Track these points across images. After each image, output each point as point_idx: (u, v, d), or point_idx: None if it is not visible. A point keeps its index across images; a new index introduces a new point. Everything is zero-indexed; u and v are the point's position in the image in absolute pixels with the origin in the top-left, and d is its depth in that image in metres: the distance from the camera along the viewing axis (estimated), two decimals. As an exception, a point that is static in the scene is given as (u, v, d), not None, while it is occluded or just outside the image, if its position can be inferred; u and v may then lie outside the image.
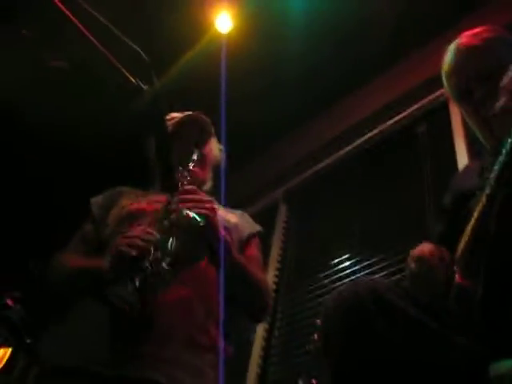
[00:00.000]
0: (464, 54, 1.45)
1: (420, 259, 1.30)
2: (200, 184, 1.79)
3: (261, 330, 2.88)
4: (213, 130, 1.96)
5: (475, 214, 1.22)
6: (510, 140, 1.13)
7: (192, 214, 1.50)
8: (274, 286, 3.06)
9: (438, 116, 2.74)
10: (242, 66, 2.96)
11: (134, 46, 1.33)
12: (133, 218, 1.65)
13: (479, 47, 1.43)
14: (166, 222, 1.50)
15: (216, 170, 1.93)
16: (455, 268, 1.25)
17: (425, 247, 1.32)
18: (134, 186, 1.90)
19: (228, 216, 1.82)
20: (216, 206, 1.67)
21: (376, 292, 1.20)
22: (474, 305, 1.17)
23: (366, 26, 2.92)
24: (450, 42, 1.54)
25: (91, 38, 1.33)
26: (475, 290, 1.18)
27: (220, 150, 1.98)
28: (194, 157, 1.75)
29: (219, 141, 2.00)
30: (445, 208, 1.57)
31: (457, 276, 1.24)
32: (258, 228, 1.90)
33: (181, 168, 1.70)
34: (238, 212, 1.93)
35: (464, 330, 1.16)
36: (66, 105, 3.21)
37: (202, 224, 1.51)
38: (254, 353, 2.82)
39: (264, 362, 2.80)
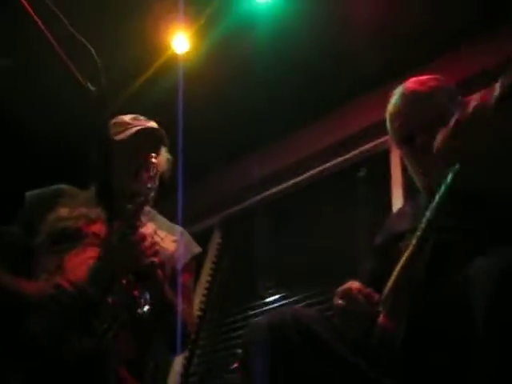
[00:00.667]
0: (409, 99, 1.48)
1: (347, 296, 1.30)
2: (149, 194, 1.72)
3: (180, 357, 2.81)
4: (166, 142, 1.91)
5: (404, 257, 1.24)
6: (443, 187, 1.17)
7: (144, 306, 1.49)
8: (199, 313, 3.02)
9: (379, 162, 2.82)
10: (198, 90, 2.95)
11: (88, 45, 1.30)
12: (69, 239, 1.59)
13: (424, 95, 1.46)
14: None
15: (161, 181, 1.89)
16: (380, 308, 1.27)
17: (352, 285, 1.33)
18: (74, 182, 1.84)
19: (166, 242, 1.77)
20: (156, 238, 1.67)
21: (302, 322, 1.19)
22: (395, 348, 1.18)
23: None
24: (395, 87, 1.56)
25: (47, 33, 1.30)
26: (397, 333, 1.20)
27: (168, 159, 1.93)
28: (150, 171, 1.69)
29: (176, 163, 1.98)
30: (376, 247, 1.59)
31: (381, 316, 1.26)
32: (196, 250, 1.88)
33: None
34: (179, 230, 1.89)
35: (388, 371, 1.16)
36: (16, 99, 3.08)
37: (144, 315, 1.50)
38: (170, 380, 2.75)
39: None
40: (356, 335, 1.25)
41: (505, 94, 1.06)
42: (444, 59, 2.72)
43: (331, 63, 2.96)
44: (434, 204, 1.19)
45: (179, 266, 1.76)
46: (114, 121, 1.83)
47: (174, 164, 1.96)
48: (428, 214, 1.20)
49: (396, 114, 1.51)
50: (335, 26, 2.81)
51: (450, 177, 1.16)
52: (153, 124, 1.88)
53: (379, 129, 2.23)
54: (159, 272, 1.57)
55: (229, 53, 2.92)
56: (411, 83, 1.52)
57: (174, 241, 1.82)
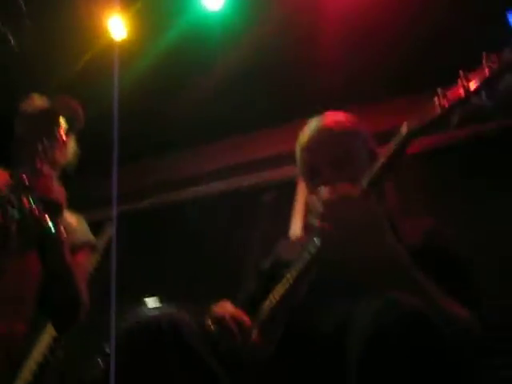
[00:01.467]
0: (322, 135, 1.47)
1: (218, 323, 1.28)
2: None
3: (47, 336, 2.68)
4: (75, 125, 1.85)
5: (284, 284, 1.26)
6: (315, 241, 1.19)
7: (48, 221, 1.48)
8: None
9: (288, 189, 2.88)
10: (134, 76, 2.91)
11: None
12: None
13: (338, 135, 1.46)
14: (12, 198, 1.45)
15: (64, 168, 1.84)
16: (254, 328, 1.28)
17: (226, 309, 1.33)
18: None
19: (69, 218, 1.76)
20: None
21: (178, 330, 1.18)
22: (262, 365, 1.21)
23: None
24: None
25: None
26: (266, 352, 1.23)
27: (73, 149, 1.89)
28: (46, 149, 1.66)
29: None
30: (262, 270, 1.60)
31: (254, 334, 1.27)
32: (92, 239, 1.86)
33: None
34: (78, 217, 1.87)
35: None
36: None
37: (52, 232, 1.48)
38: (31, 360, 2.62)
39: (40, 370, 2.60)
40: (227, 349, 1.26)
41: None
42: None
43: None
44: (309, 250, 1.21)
45: (78, 243, 1.75)
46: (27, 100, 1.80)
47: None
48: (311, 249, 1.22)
49: (307, 148, 1.49)
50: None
51: (312, 247, 1.20)
52: (67, 104, 1.83)
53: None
54: (62, 229, 1.56)
55: (166, 38, 2.87)
56: (327, 119, 1.52)
57: (75, 221, 1.81)
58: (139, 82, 2.98)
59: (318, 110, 1.58)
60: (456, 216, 2.46)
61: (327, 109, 1.59)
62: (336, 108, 1.58)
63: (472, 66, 1.00)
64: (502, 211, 2.43)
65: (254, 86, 3.08)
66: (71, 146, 1.87)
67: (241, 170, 3.11)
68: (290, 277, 1.26)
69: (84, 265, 1.77)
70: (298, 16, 2.75)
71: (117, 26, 2.79)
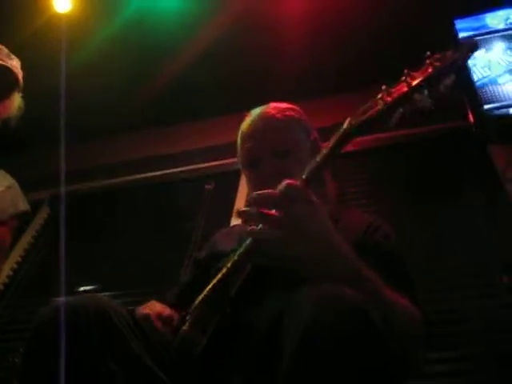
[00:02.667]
0: (264, 124, 1.46)
1: (145, 319, 1.25)
2: None
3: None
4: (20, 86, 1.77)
5: (218, 275, 1.24)
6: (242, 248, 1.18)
7: None
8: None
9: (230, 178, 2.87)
10: (81, 52, 2.82)
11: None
12: None
13: (280, 123, 1.45)
14: None
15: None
16: (187, 317, 1.25)
17: (152, 309, 1.29)
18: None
19: None
20: None
21: (104, 313, 1.12)
22: (193, 355, 1.18)
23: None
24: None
25: None
26: (198, 342, 1.19)
27: (19, 107, 1.79)
28: None
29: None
30: (197, 260, 1.58)
31: (186, 325, 1.25)
32: (22, 208, 1.75)
33: None
34: (10, 182, 1.77)
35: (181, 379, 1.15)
36: None
37: None
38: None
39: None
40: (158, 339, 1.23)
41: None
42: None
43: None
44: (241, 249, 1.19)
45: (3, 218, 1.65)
46: None
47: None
48: (244, 245, 1.19)
49: (248, 135, 1.48)
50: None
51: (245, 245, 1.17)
52: (12, 64, 1.74)
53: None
54: None
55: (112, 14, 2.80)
56: (269, 108, 1.50)
57: (3, 189, 1.71)
58: (87, 61, 2.91)
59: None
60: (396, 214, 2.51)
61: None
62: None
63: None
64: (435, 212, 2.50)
65: (205, 73, 3.04)
66: (15, 102, 1.77)
67: (183, 158, 3.07)
68: (223, 268, 1.24)
69: (3, 238, 1.68)
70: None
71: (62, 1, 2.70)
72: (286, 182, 1.00)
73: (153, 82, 2.93)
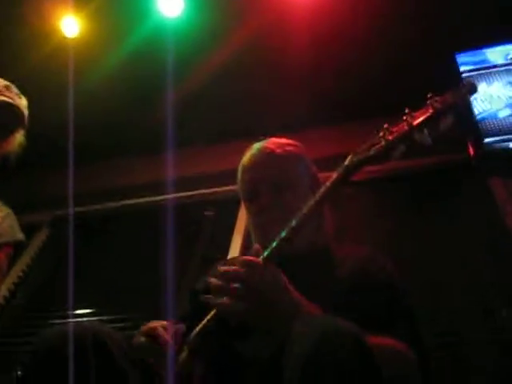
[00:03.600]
0: (264, 158, 1.48)
1: (151, 333, 1.26)
2: None
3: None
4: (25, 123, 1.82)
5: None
6: None
7: None
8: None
9: (229, 207, 2.87)
10: (89, 75, 2.88)
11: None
12: None
13: (280, 158, 1.47)
14: None
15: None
16: (186, 345, 1.25)
17: (158, 323, 1.30)
18: None
19: None
20: None
21: (101, 339, 1.14)
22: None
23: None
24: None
25: None
26: (197, 372, 1.21)
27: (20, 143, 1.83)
28: None
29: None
30: (196, 292, 1.58)
31: (184, 353, 1.24)
32: (18, 237, 1.78)
33: None
34: (8, 210, 1.81)
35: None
36: None
37: None
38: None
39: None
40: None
41: None
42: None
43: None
44: None
45: None
46: None
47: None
48: None
49: (248, 168, 1.50)
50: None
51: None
52: (20, 102, 1.80)
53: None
54: None
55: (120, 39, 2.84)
56: (270, 143, 1.53)
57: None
58: (95, 88, 2.95)
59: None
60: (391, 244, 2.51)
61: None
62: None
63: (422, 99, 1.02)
64: (435, 240, 2.50)
65: (207, 101, 3.07)
66: (18, 139, 1.82)
67: (183, 184, 3.08)
68: None
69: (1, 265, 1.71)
70: (259, 26, 2.75)
71: (70, 26, 2.75)
72: (244, 258, 1.07)
73: (156, 107, 2.95)
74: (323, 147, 2.67)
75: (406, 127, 1.02)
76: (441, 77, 2.67)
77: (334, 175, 1.13)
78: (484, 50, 2.73)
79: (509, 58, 2.69)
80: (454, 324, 2.20)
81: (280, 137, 1.58)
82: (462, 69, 2.71)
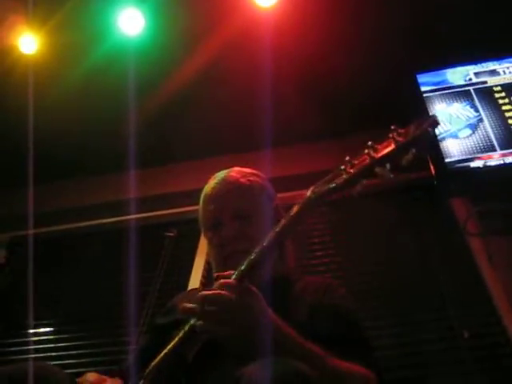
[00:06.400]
0: (227, 187, 1.46)
1: None
2: None
3: None
4: None
5: (175, 340, 1.22)
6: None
7: None
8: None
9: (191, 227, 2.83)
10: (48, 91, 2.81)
11: None
12: None
13: (243, 187, 1.46)
14: None
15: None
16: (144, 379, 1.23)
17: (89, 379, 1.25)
18: None
19: None
20: None
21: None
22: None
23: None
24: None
25: None
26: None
27: None
28: None
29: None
30: (156, 326, 1.54)
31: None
32: None
33: None
34: None
35: None
36: None
37: None
38: None
39: None
40: None
41: None
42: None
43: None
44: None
45: None
46: None
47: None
48: None
49: (211, 198, 1.48)
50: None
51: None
52: None
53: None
54: None
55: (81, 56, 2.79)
56: (233, 172, 1.52)
57: None
58: (55, 106, 2.88)
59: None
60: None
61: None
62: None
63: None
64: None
65: (173, 118, 3.03)
66: None
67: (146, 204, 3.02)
68: (181, 333, 1.21)
69: None
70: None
71: (28, 43, 2.70)
72: (221, 281, 1.07)
73: (117, 125, 2.90)
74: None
75: (367, 160, 1.00)
76: (402, 97, 2.71)
77: (295, 208, 1.11)
78: (444, 71, 2.76)
79: (467, 78, 2.73)
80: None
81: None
82: (422, 89, 2.73)
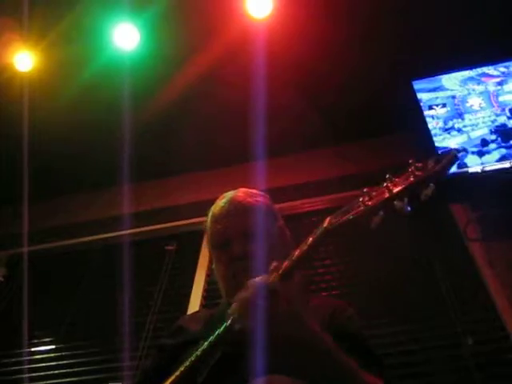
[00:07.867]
0: (236, 207, 1.48)
1: None
2: None
3: None
4: None
5: (186, 362, 1.21)
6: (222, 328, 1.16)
7: None
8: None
9: (191, 240, 2.82)
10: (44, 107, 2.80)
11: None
12: None
13: (250, 207, 1.48)
14: None
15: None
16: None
17: None
18: None
19: None
20: None
21: None
22: None
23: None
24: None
25: None
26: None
27: None
28: None
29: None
30: (163, 346, 1.53)
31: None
32: None
33: None
34: None
35: None
36: None
37: None
38: None
39: None
40: None
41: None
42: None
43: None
44: (223, 327, 1.16)
45: None
46: None
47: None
48: (219, 331, 1.17)
49: (219, 218, 1.49)
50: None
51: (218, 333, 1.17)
52: None
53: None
54: None
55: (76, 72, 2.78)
56: (241, 192, 1.54)
57: None
58: (51, 121, 2.88)
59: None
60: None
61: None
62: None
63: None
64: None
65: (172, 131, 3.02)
66: None
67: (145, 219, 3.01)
68: (192, 355, 1.21)
69: None
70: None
71: (23, 61, 2.70)
72: (255, 280, 1.07)
73: (113, 141, 2.89)
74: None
75: (386, 194, 1.00)
76: (399, 103, 2.73)
77: (311, 237, 1.11)
78: (439, 77, 2.77)
79: (462, 84, 2.74)
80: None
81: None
82: (418, 95, 2.74)
